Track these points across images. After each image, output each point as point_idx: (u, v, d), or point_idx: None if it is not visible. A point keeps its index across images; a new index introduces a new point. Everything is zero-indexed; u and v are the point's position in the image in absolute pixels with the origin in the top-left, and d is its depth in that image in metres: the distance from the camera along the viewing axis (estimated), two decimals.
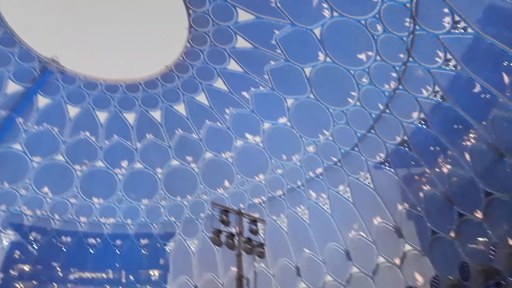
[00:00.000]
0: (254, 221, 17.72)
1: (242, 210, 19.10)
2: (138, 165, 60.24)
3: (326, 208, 48.85)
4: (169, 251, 60.98)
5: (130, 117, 57.70)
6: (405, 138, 38.53)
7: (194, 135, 57.08)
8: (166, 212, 60.43)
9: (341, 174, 46.60)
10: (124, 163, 59.96)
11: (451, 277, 34.70)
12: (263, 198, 54.91)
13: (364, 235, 45.13)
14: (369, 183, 44.13)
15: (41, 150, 56.44)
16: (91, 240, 59.74)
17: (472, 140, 33.01)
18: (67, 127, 57.08)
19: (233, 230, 17.31)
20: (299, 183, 51.37)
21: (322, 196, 49.23)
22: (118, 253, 60.02)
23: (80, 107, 55.99)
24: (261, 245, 16.98)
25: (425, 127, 36.07)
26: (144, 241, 61.07)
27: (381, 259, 43.58)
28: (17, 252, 56.22)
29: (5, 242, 54.82)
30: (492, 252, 29.77)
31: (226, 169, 56.86)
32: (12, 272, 54.97)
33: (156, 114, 57.05)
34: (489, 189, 31.86)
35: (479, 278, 31.46)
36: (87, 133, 58.27)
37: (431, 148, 37.02)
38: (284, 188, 53.03)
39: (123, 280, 59.64)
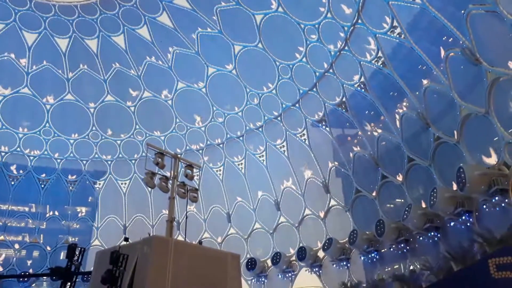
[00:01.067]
0: (190, 166, 17.53)
1: (178, 155, 18.79)
2: (69, 97, 56.33)
3: (262, 160, 50.00)
4: (98, 189, 59.51)
5: (63, 43, 52.85)
6: (344, 99, 39.74)
7: (132, 71, 54.09)
8: (97, 150, 58.18)
9: (280, 129, 47.48)
10: (53, 93, 55.79)
11: (367, 232, 37.88)
12: (201, 145, 54.68)
13: (295, 188, 47.25)
14: (305, 139, 45.55)
15: None
16: (13, 171, 56.31)
17: (404, 108, 34.91)
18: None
19: (168, 174, 17.05)
20: (239, 133, 51.63)
21: (259, 148, 50.13)
22: (43, 187, 57.44)
23: (5, 24, 50.03)
24: (195, 190, 16.96)
25: (363, 90, 37.33)
26: (72, 177, 58.79)
27: (307, 211, 46.27)
28: None
29: None
30: (406, 212, 32.69)
31: (165, 111, 55.21)
32: None
33: (92, 44, 52.76)
34: (412, 155, 34.40)
35: (391, 234, 34.66)
36: (12, 55, 52.81)
37: (366, 112, 38.67)
38: (223, 137, 53.09)
39: (47, 215, 57.65)
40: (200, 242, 17.73)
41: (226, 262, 13.30)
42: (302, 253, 43.82)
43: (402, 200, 35.96)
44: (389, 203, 38.14)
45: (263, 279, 47.95)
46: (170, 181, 16.46)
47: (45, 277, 32.59)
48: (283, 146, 47.88)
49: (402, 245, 34.41)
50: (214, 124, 53.20)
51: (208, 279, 12.01)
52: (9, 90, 54.11)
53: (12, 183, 56.01)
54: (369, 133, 39.25)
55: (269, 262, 47.78)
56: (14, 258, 53.36)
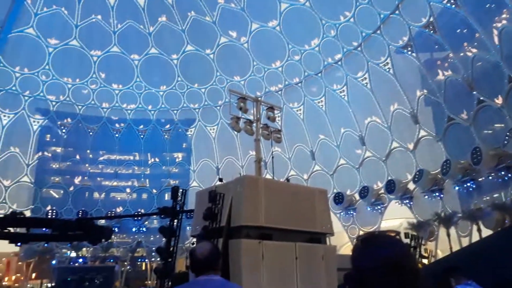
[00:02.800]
0: (271, 108, 17.94)
1: (259, 98, 19.26)
2: (153, 51, 59.56)
3: (343, 95, 48.71)
4: (190, 136, 63.88)
5: None
6: (431, 19, 36.10)
7: (207, 18, 54.73)
8: (185, 99, 61.62)
9: (360, 60, 45.25)
10: (139, 49, 59.31)
11: (462, 161, 35.84)
12: (280, 85, 54.74)
13: (380, 122, 45.71)
14: (389, 69, 42.99)
15: (55, 35, 55.75)
16: (116, 125, 62.67)
17: (504, 21, 30.74)
18: (76, 9, 55.36)
19: (251, 117, 17.68)
20: (317, 70, 50.43)
21: (340, 83, 48.69)
22: (142, 137, 63.31)
23: None
24: (278, 131, 17.46)
25: (453, 7, 33.43)
26: (166, 127, 63.79)
27: (395, 144, 44.85)
28: (48, 135, 59.89)
29: (35, 126, 58.02)
30: (507, 138, 30.03)
31: (242, 55, 55.70)
32: (46, 153, 59.32)
33: None
34: None
35: (490, 162, 32.40)
36: (99, 16, 56.57)
37: (458, 31, 34.87)
38: (301, 75, 52.36)
39: (150, 162, 64.01)
40: (287, 180, 18.55)
41: (314, 196, 13.84)
42: (391, 186, 43.32)
43: (502, 125, 32.93)
44: (486, 129, 35.22)
45: (351, 212, 48.81)
46: (254, 124, 17.11)
47: (154, 216, 37.05)
48: (365, 78, 45.87)
49: (502, 172, 32.12)
50: (291, 63, 52.49)
51: (298, 213, 12.74)
52: (100, 52, 58.61)
53: (117, 135, 62.52)
54: (462, 54, 35.64)
55: (356, 196, 48.17)
56: (128, 201, 60.99)
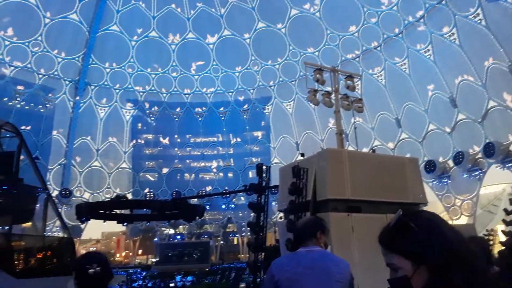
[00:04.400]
0: (349, 77, 17.24)
1: (335, 67, 18.60)
2: (226, 32, 60.63)
3: (428, 55, 44.99)
4: (268, 114, 64.52)
5: None
6: None
7: None
8: (260, 78, 62.08)
9: (446, 14, 41.18)
10: (212, 32, 60.85)
11: None
12: (357, 52, 52.28)
13: (473, 80, 41.53)
14: (480, 20, 38.54)
15: (135, 28, 59.52)
16: (198, 109, 65.66)
17: None
18: (153, 0, 58.25)
19: (328, 88, 17.18)
20: (397, 30, 47.10)
21: (423, 42, 44.99)
22: (223, 119, 65.55)
23: None
24: (359, 100, 16.77)
25: None
26: (244, 107, 65.19)
27: (492, 103, 40.55)
28: (139, 124, 64.88)
29: (127, 116, 63.18)
30: None
31: (314, 25, 54.07)
32: (139, 141, 64.50)
33: None
34: None
35: None
36: (173, 5, 58.91)
37: None
38: (379, 38, 49.38)
39: (232, 141, 66.28)
40: (373, 150, 17.84)
41: (404, 166, 13.15)
42: (489, 149, 39.44)
43: None
44: None
45: (445, 181, 45.64)
46: (333, 96, 16.61)
47: (241, 193, 38.55)
48: (453, 34, 41.72)
49: None
50: (367, 27, 49.69)
51: (387, 184, 12.22)
52: (178, 37, 61.25)
53: (200, 119, 65.50)
54: None
55: (450, 162, 44.79)
56: (215, 180, 64.09)
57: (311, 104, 18.68)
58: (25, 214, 21.64)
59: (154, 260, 50.47)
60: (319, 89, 16.91)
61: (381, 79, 50.99)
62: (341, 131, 15.40)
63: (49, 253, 22.38)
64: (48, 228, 25.47)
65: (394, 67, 49.07)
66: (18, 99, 53.51)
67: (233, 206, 60.38)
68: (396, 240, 1.27)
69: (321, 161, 12.46)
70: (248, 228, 17.41)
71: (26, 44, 52.95)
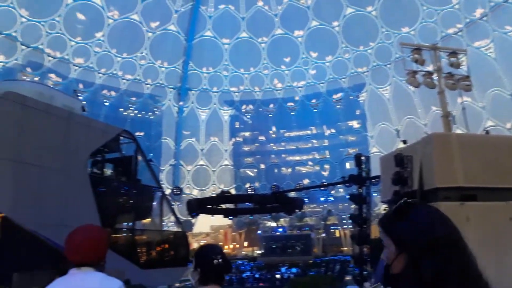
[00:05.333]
0: (453, 53, 15.81)
1: (436, 45, 17.23)
2: (314, 23, 60.06)
3: None
4: (362, 101, 62.22)
5: None
6: None
7: None
8: (352, 64, 60.14)
9: None
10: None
11: None
12: (459, 25, 47.49)
13: None
14: None
15: (226, 32, 62.23)
16: (290, 104, 66.16)
17: None
18: (241, 1, 60.22)
19: (429, 68, 16.01)
20: None
21: None
22: (315, 110, 65.04)
23: None
24: (466, 77, 15.29)
25: None
26: (336, 96, 63.83)
27: None
28: (237, 123, 67.75)
29: (226, 117, 66.53)
30: None
31: (407, 2, 50.48)
32: (238, 139, 67.39)
33: None
34: None
35: None
36: (260, 3, 60.34)
37: None
38: (486, 6, 44.19)
39: (326, 133, 65.45)
40: (486, 132, 16.19)
41: None
42: None
43: None
44: None
45: None
46: (435, 75, 15.45)
47: (340, 185, 37.94)
48: None
49: None
50: None
51: (507, 169, 11.01)
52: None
53: (292, 113, 65.96)
54: None
55: None
56: (312, 172, 63.97)
57: (411, 87, 17.60)
58: (144, 211, 24.20)
59: (259, 252, 52.37)
60: (418, 70, 15.85)
61: (490, 52, 45.64)
62: (447, 113, 14.24)
63: (166, 246, 24.74)
64: (164, 223, 28.09)
65: (505, 36, 43.51)
66: (131, 108, 59.90)
67: (332, 198, 59.67)
68: (390, 224, 1.33)
69: (427, 147, 11.72)
70: (350, 221, 17.09)
71: (134, 58, 58.87)
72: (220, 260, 2.09)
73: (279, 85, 65.30)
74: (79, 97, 35.10)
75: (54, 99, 18.83)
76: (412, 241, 1.23)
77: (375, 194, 31.56)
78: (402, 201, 1.33)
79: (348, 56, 59.88)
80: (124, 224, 23.05)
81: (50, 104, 17.38)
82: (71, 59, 53.83)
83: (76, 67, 54.63)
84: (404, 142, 14.06)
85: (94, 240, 2.17)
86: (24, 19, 48.62)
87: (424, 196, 10.99)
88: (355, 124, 64.16)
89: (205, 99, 64.51)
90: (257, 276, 24.55)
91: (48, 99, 18.16)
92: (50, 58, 52.04)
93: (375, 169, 16.62)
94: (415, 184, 11.52)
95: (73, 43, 53.50)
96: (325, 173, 62.55)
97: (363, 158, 16.66)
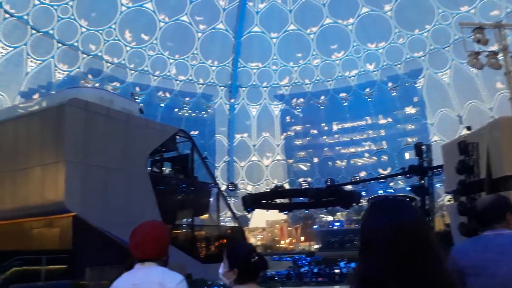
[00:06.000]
0: None
1: (500, 22, 15.95)
2: (364, 10, 58.13)
3: None
4: (420, 87, 59.25)
5: None
6: None
7: None
8: (407, 49, 57.44)
9: None
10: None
11: None
12: None
13: None
14: None
15: (274, 26, 62.05)
16: (342, 95, 64.62)
17: None
18: None
19: (494, 47, 14.86)
20: None
21: None
22: (370, 100, 62.97)
23: None
24: None
25: None
26: (391, 84, 61.33)
27: None
28: (287, 117, 67.44)
29: (276, 111, 66.49)
30: None
31: None
32: (289, 133, 67.10)
33: None
34: None
35: None
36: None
37: None
38: None
39: (382, 122, 63.18)
40: None
41: None
42: None
43: None
44: None
45: None
46: (500, 55, 14.33)
47: (399, 176, 36.37)
48: None
49: None
50: None
51: None
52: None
53: (345, 104, 64.42)
54: None
55: None
56: (368, 164, 62.13)
57: (473, 69, 16.42)
58: (202, 207, 24.91)
59: (316, 246, 51.91)
60: (481, 50, 14.78)
61: None
62: None
63: (224, 240, 25.30)
64: (221, 218, 28.72)
65: None
66: (185, 108, 61.88)
67: (391, 190, 57.53)
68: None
69: (494, 132, 10.91)
70: None
71: (186, 59, 60.64)
72: (256, 258, 2.06)
73: (330, 76, 64.05)
74: (137, 100, 36.80)
75: (114, 103, 19.87)
76: (361, 236, 1.24)
77: (438, 185, 29.98)
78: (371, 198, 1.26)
79: (402, 41, 57.28)
80: (183, 220, 23.87)
81: (110, 108, 18.38)
82: (127, 64, 56.59)
83: (132, 71, 57.32)
84: (469, 128, 13.23)
85: (156, 236, 2.23)
86: (84, 29, 51.79)
87: (493, 185, 10.26)
88: (413, 111, 61.31)
89: (255, 95, 64.93)
90: (315, 270, 24.32)
91: (109, 103, 19.21)
92: (109, 64, 55.06)
93: (437, 159, 15.77)
94: (483, 173, 10.81)
95: (128, 48, 56.16)
96: (383, 165, 60.51)
97: (423, 147, 15.87)
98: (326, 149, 65.10)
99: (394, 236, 1.12)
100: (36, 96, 40.60)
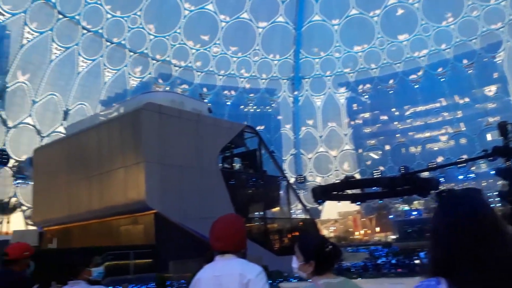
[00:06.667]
0: None
1: None
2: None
3: None
4: (500, 62, 54.13)
5: None
6: None
7: None
8: (482, 22, 52.84)
9: None
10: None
11: None
12: None
13: None
14: None
15: (335, 12, 60.54)
16: (412, 76, 61.28)
17: None
18: None
19: None
20: None
21: None
22: (443, 80, 58.90)
23: None
24: None
25: None
26: (466, 61, 56.85)
27: None
28: (354, 105, 65.53)
29: (342, 100, 64.99)
30: None
31: None
32: (357, 121, 65.17)
33: None
34: None
35: None
36: None
37: None
38: None
39: (458, 103, 58.82)
40: None
41: None
42: None
43: None
44: None
45: None
46: None
47: (481, 159, 33.59)
48: None
49: None
50: None
51: None
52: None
53: (416, 86, 60.98)
54: None
55: None
56: (445, 149, 58.27)
57: None
58: (273, 200, 25.17)
59: (393, 237, 50.00)
60: None
61: None
62: None
63: (296, 233, 25.34)
64: (292, 211, 28.82)
65: None
66: (250, 104, 62.91)
67: (472, 175, 53.47)
68: None
69: None
70: (499, 199, 15.08)
71: (248, 56, 61.50)
72: (330, 247, 2.04)
73: (397, 59, 61.01)
74: (205, 100, 38.15)
75: (184, 105, 20.79)
76: None
77: None
78: None
79: (476, 13, 52.76)
80: (255, 213, 24.35)
81: (181, 109, 19.26)
82: (193, 66, 58.85)
83: (199, 73, 59.48)
84: None
85: (236, 228, 2.30)
86: (151, 36, 54.72)
87: None
88: (493, 89, 56.29)
89: (319, 85, 64.05)
90: (393, 262, 23.45)
91: (179, 105, 20.14)
92: (176, 68, 57.67)
93: None
94: None
95: (193, 50, 58.33)
96: (462, 148, 56.49)
97: (508, 126, 14.51)
98: (398, 135, 62.26)
99: (462, 226, 1.16)
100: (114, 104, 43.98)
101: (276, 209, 26.70)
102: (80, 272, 2.93)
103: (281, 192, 25.87)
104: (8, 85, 41.45)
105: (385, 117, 63.32)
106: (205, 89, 58.73)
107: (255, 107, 63.01)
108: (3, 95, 40.94)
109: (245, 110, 62.36)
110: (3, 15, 40.23)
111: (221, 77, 60.93)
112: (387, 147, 62.06)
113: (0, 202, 37.61)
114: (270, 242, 22.57)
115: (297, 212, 37.76)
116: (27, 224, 36.83)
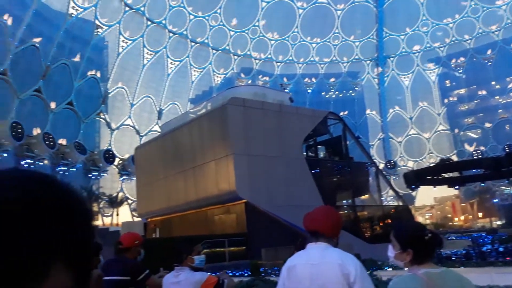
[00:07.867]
0: None
1: None
2: None
3: None
4: None
5: None
6: None
7: None
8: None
9: None
10: None
11: None
12: None
13: None
14: None
15: None
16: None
17: None
18: None
19: None
20: None
21: None
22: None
23: None
24: None
25: None
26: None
27: None
28: (447, 81, 60.48)
29: (433, 77, 60.38)
30: None
31: None
32: (451, 98, 60.06)
33: None
34: None
35: None
36: None
37: None
38: None
39: None
40: None
41: None
42: None
43: None
44: None
45: None
46: None
47: None
48: None
49: None
50: None
51: None
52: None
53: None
54: None
55: None
56: None
57: None
58: (361, 188, 24.52)
59: (499, 222, 45.55)
60: None
61: None
62: None
63: (389, 220, 24.41)
64: (382, 198, 27.80)
65: None
66: (332, 90, 61.57)
67: None
68: None
69: None
70: None
71: (328, 40, 60.11)
72: (430, 235, 1.94)
73: (494, 27, 54.79)
74: (285, 90, 38.37)
75: (266, 96, 21.24)
76: None
77: None
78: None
79: None
80: (343, 201, 24.00)
81: (264, 101, 19.73)
82: (273, 57, 59.32)
83: (279, 63, 59.79)
84: None
85: (332, 213, 2.36)
86: (232, 32, 56.29)
87: None
88: None
89: (406, 63, 60.23)
90: (501, 249, 21.44)
91: (262, 97, 20.64)
92: (257, 61, 58.66)
93: None
94: None
95: (272, 41, 58.74)
96: None
97: None
98: (500, 111, 56.15)
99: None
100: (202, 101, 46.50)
101: (365, 196, 26.00)
102: (184, 259, 3.29)
103: (369, 178, 25.10)
104: (109, 91, 46.08)
105: (484, 92, 57.43)
106: (285, 79, 58.89)
107: (337, 92, 61.56)
108: (106, 101, 45.68)
109: (327, 96, 61.28)
110: (102, 27, 44.59)
111: (300, 65, 60.54)
112: (488, 125, 56.30)
113: (109, 196, 42.26)
114: (360, 230, 22.12)
115: (389, 199, 36.31)
116: (133, 216, 40.81)
